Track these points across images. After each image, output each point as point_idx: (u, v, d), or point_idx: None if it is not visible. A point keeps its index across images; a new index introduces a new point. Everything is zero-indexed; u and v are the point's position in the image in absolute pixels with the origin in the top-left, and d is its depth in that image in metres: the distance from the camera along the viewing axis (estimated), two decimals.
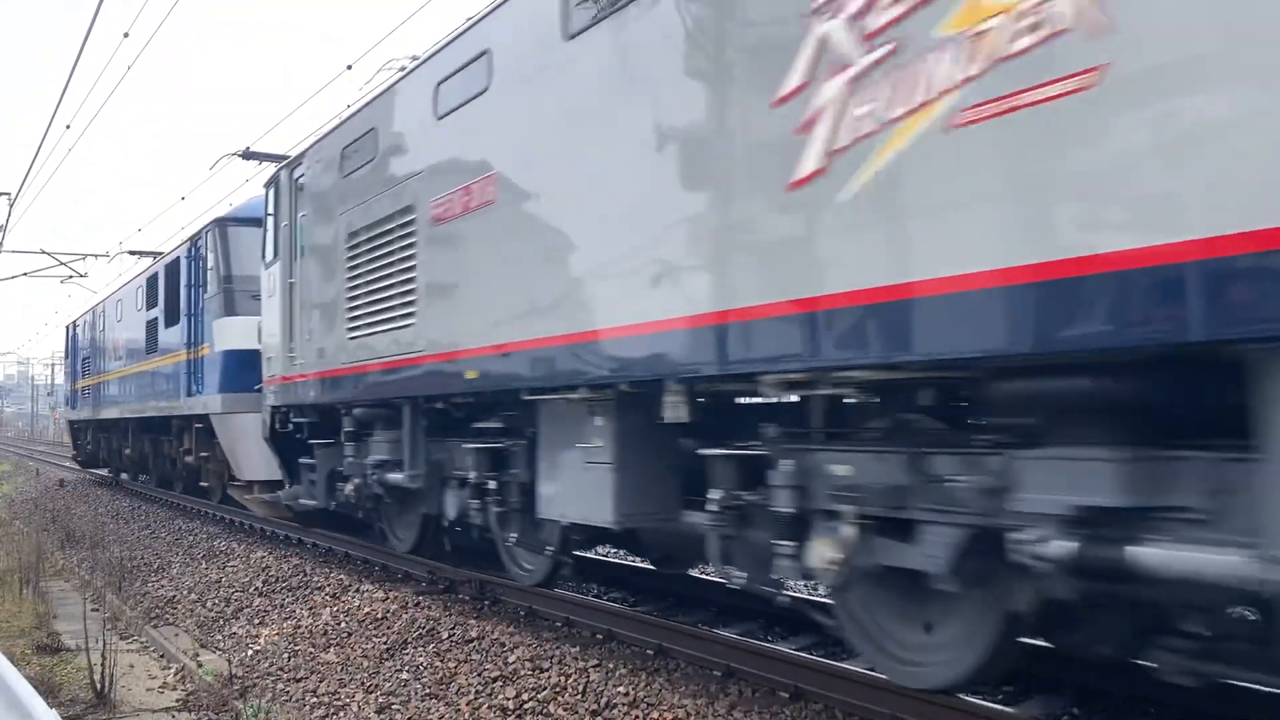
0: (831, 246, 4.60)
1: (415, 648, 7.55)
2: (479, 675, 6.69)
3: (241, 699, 7.41)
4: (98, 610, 10.97)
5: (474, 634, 7.52)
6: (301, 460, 11.44)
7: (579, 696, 6.05)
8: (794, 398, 5.43)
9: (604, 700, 5.93)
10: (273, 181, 11.91)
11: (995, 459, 4.37)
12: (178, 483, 19.01)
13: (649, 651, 6.72)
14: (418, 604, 8.63)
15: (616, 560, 10.39)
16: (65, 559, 14.94)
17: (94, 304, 25.24)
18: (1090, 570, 3.90)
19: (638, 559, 9.85)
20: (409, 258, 8.55)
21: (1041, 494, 4.07)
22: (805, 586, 7.31)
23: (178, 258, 16.99)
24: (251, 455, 13.37)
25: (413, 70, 8.70)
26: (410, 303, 8.51)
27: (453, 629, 7.75)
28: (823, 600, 6.51)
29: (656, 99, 5.69)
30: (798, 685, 5.72)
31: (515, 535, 8.10)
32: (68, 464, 31.85)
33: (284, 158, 12.68)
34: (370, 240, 9.24)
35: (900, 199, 4.26)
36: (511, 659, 6.84)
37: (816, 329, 4.65)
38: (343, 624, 8.64)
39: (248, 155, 15.96)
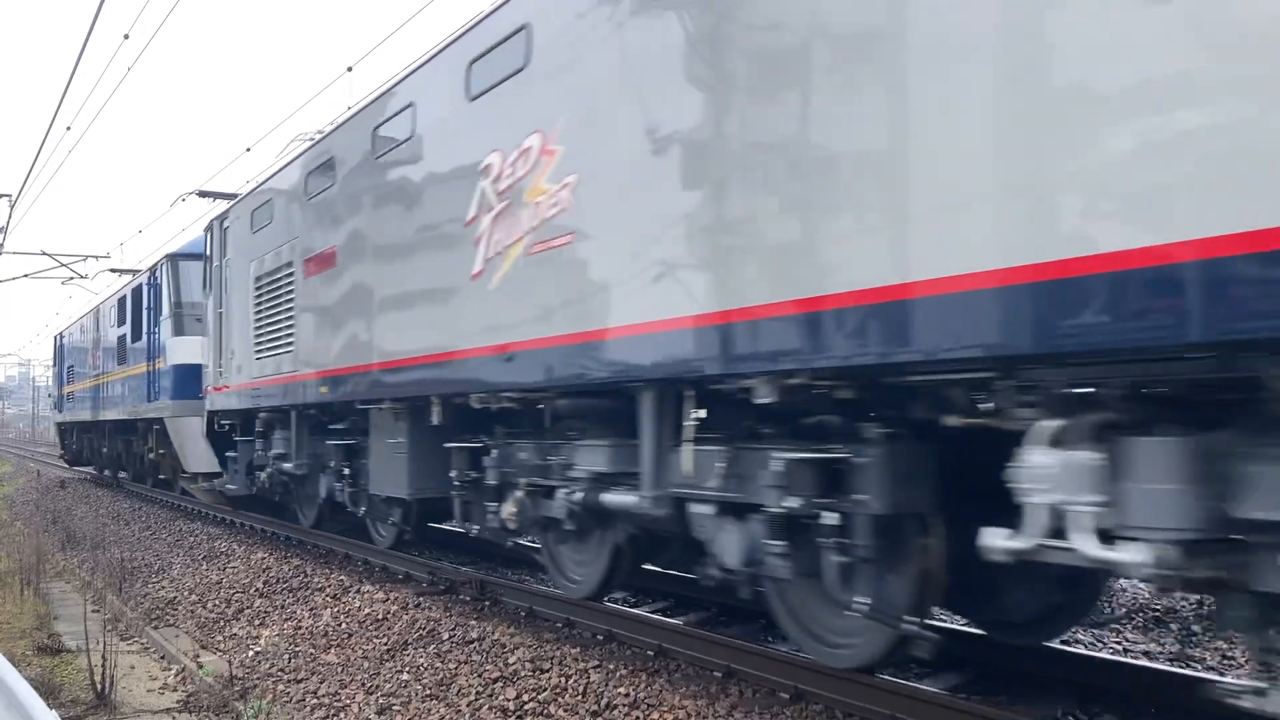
0: (488, 315, 7.52)
1: (416, 649, 7.55)
2: (479, 676, 6.69)
3: (242, 700, 7.41)
4: (98, 611, 10.97)
5: (474, 635, 7.52)
6: (228, 454, 14.36)
7: (579, 697, 6.05)
8: (494, 407, 7.96)
9: (604, 701, 5.93)
10: (209, 228, 14.68)
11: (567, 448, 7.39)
12: (148, 477, 21.11)
13: (649, 652, 6.72)
14: (418, 605, 8.63)
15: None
16: (66, 560, 14.94)
17: (77, 318, 28.04)
18: (590, 508, 7.06)
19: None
20: (290, 301, 11.46)
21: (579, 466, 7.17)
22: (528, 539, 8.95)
23: (141, 284, 19.57)
24: (196, 451, 15.85)
25: (292, 160, 11.66)
26: (291, 334, 11.38)
27: (453, 630, 7.75)
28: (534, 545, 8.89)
29: (414, 211, 8.75)
30: (798, 686, 5.72)
31: (364, 509, 10.96)
32: (66, 464, 33.09)
33: (233, 195, 15.26)
34: (268, 284, 12.18)
35: (515, 290, 7.20)
36: (512, 660, 6.84)
37: (491, 365, 7.51)
38: (343, 625, 8.64)
39: (202, 194, 18.86)
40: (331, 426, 11.29)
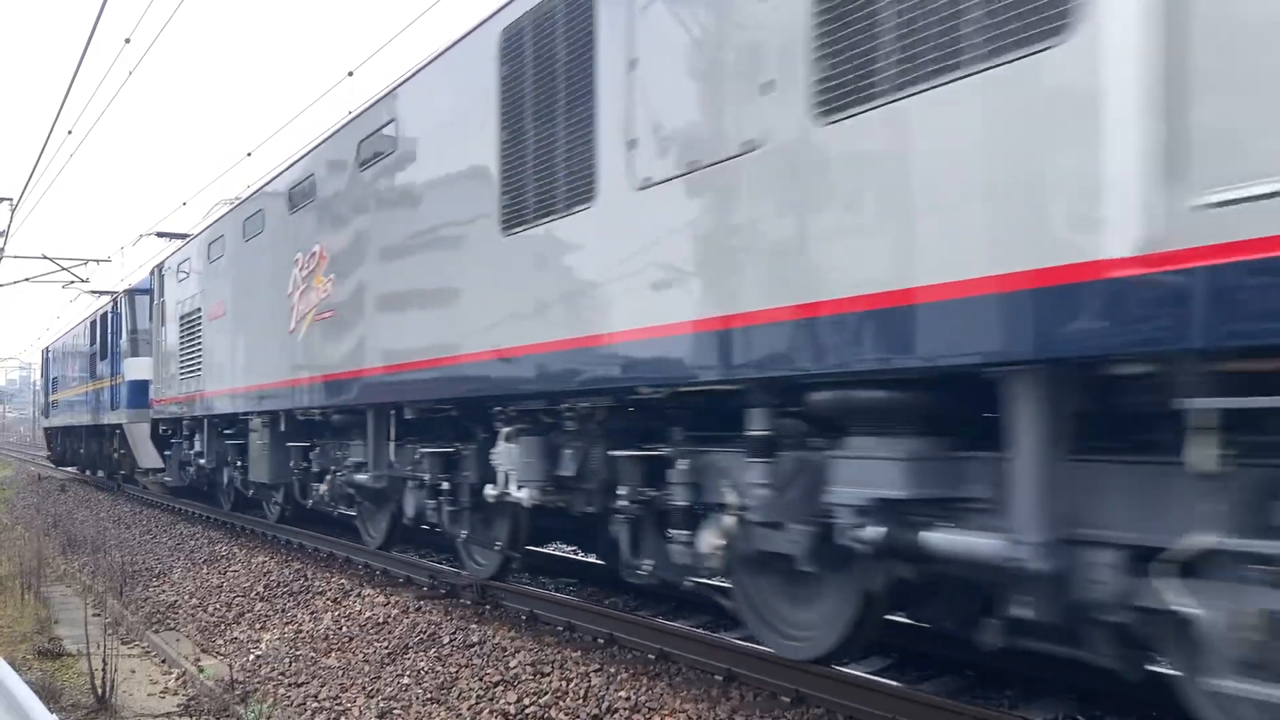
0: (298, 359, 11.02)
1: (416, 652, 7.55)
2: (480, 680, 6.69)
3: (243, 704, 7.40)
4: (99, 615, 10.97)
5: (475, 638, 7.52)
6: (166, 453, 18.30)
7: (580, 701, 6.05)
8: (316, 418, 11.27)
9: (605, 705, 5.93)
10: (153, 272, 18.53)
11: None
12: (116, 474, 24.54)
13: (650, 656, 6.71)
14: (419, 608, 8.63)
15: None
16: (67, 564, 14.94)
17: (60, 334, 32.49)
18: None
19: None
20: (199, 337, 15.05)
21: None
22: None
23: (106, 311, 23.73)
24: (146, 451, 19.38)
25: (199, 234, 15.57)
26: (200, 362, 14.95)
27: (454, 633, 7.75)
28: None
29: (260, 283, 12.44)
30: (799, 690, 5.72)
31: (251, 492, 14.33)
32: (52, 465, 35.93)
33: (185, 235, 18.17)
34: (187, 323, 15.75)
35: (309, 344, 10.71)
36: (513, 663, 6.84)
37: (303, 392, 10.94)
38: (344, 628, 8.64)
39: (160, 234, 22.66)
40: (226, 431, 14.73)
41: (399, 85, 8.77)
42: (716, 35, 5.28)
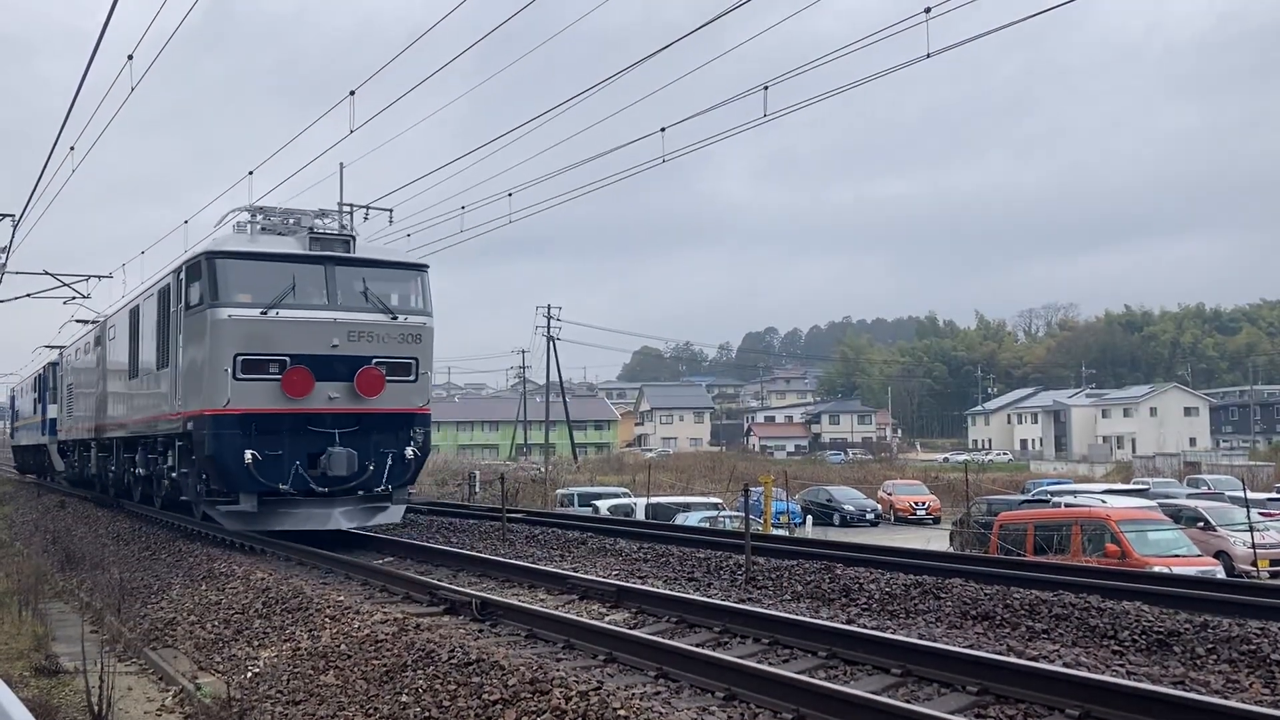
0: (103, 414, 22.31)
1: (415, 670, 7.51)
2: (479, 698, 6.65)
3: None
4: (96, 632, 10.92)
5: (474, 656, 7.47)
6: (64, 459, 30.20)
7: (579, 719, 6.01)
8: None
9: None
10: (60, 352, 30.47)
11: None
12: (46, 476, 36.71)
13: (650, 674, 6.67)
14: (417, 626, 8.58)
15: (616, 583, 10.34)
16: (65, 581, 14.89)
17: (22, 380, 46.44)
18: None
19: (647, 583, 9.76)
20: (75, 397, 25.85)
21: None
22: None
23: (41, 373, 35.63)
24: (57, 460, 31.55)
25: (74, 342, 27.63)
26: (72, 409, 26.38)
27: (452, 651, 7.70)
28: None
29: (93, 374, 23.21)
30: (800, 710, 5.68)
31: (113, 491, 22.95)
32: (18, 474, 46.45)
33: (101, 314, 26.15)
34: (70, 388, 26.74)
35: (103, 408, 22.12)
36: (511, 681, 6.79)
37: (104, 429, 22.25)
38: (342, 646, 8.59)
39: (79, 320, 31.98)
40: (90, 448, 24.43)
41: (109, 318, 21.61)
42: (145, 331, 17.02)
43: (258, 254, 13.99)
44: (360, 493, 14.00)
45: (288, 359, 13.42)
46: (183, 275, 14.57)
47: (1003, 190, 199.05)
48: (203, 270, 13.83)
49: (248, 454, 13.16)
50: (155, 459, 16.85)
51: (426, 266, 15.23)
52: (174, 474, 15.27)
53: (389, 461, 14.00)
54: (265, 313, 13.41)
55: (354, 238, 14.64)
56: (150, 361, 16.43)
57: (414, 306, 14.65)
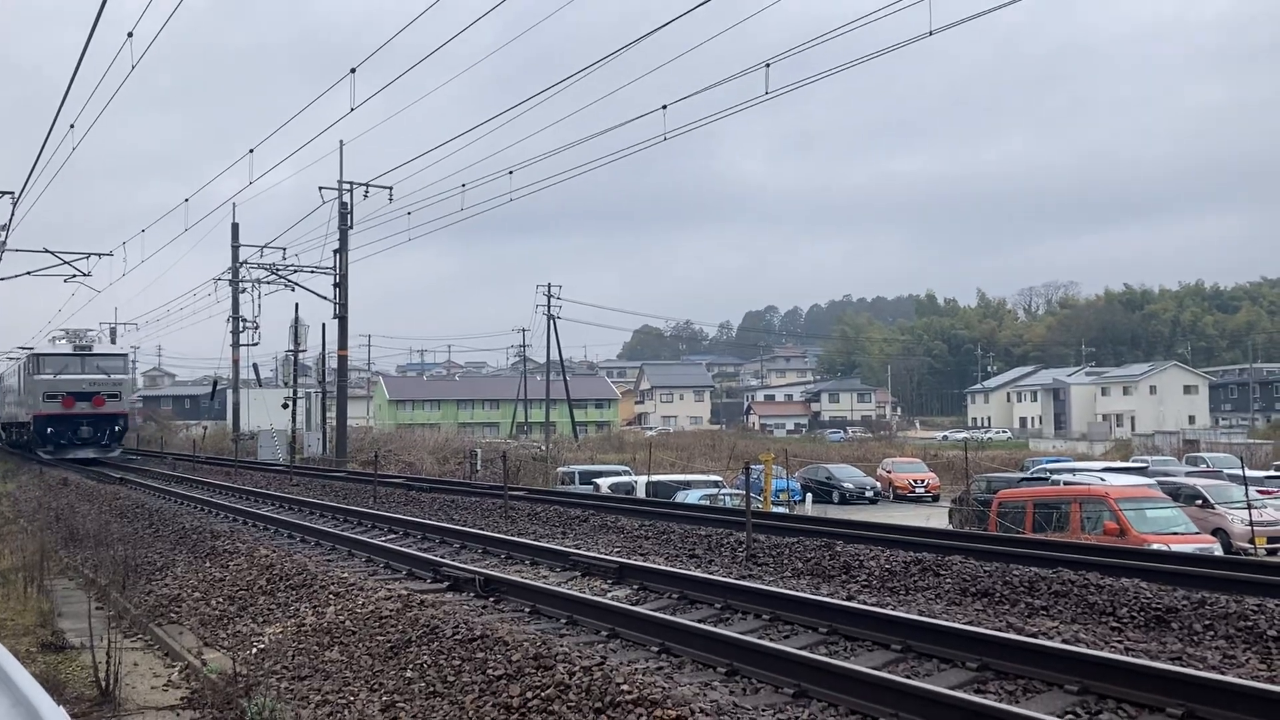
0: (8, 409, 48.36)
1: (419, 646, 7.57)
2: (483, 673, 6.71)
3: (246, 697, 7.42)
4: (102, 608, 10.99)
5: (478, 632, 7.53)
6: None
7: (583, 695, 6.07)
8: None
9: (609, 698, 5.94)
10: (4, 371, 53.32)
11: None
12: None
13: (653, 649, 6.73)
14: (421, 603, 8.65)
15: (618, 560, 10.41)
16: (70, 557, 14.97)
17: None
18: None
19: (646, 559, 9.81)
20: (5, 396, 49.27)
21: None
22: None
23: None
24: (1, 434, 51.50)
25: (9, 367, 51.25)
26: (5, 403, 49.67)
27: (456, 627, 7.77)
28: None
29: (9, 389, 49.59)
30: (801, 685, 5.74)
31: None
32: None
33: (34, 350, 41.38)
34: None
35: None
36: (515, 657, 6.85)
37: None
38: (346, 622, 8.66)
39: (22, 347, 50.23)
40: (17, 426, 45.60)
41: (4, 372, 49.29)
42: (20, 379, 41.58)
43: (53, 353, 36.83)
44: (99, 445, 36.37)
45: (65, 393, 35.64)
46: (27, 359, 38.52)
47: (1022, 168, 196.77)
48: (35, 359, 36.74)
49: (49, 429, 35.96)
50: (23, 429, 39.29)
51: (127, 353, 44.39)
52: (25, 436, 38.55)
53: (109, 432, 36.76)
54: (55, 376, 35.74)
55: (95, 343, 39.04)
56: (20, 391, 40.27)
57: (120, 368, 38.08)
